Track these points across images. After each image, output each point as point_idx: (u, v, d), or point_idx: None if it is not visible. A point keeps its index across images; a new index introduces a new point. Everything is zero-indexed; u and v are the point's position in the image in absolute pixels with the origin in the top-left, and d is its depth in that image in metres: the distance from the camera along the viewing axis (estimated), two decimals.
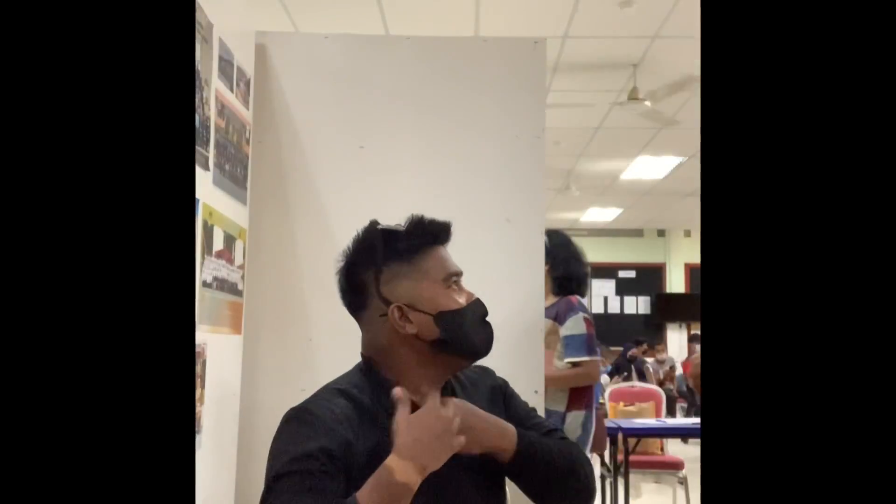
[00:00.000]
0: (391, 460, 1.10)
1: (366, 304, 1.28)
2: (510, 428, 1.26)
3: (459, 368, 1.31)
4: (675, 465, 4.52)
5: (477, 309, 1.28)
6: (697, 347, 8.86)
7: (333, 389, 1.24)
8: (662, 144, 7.25)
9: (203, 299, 1.59)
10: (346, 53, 2.08)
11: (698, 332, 9.34)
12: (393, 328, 1.24)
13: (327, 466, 1.10)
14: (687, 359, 9.20)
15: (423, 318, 1.23)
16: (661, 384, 8.55)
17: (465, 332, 1.25)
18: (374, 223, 1.30)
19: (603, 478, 4.19)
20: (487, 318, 1.29)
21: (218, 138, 1.69)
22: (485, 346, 1.28)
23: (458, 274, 1.29)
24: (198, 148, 1.54)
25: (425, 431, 1.12)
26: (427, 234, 1.28)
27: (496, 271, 1.95)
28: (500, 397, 1.37)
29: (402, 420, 1.14)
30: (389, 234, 1.27)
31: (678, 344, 10.80)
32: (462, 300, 1.27)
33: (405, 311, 1.23)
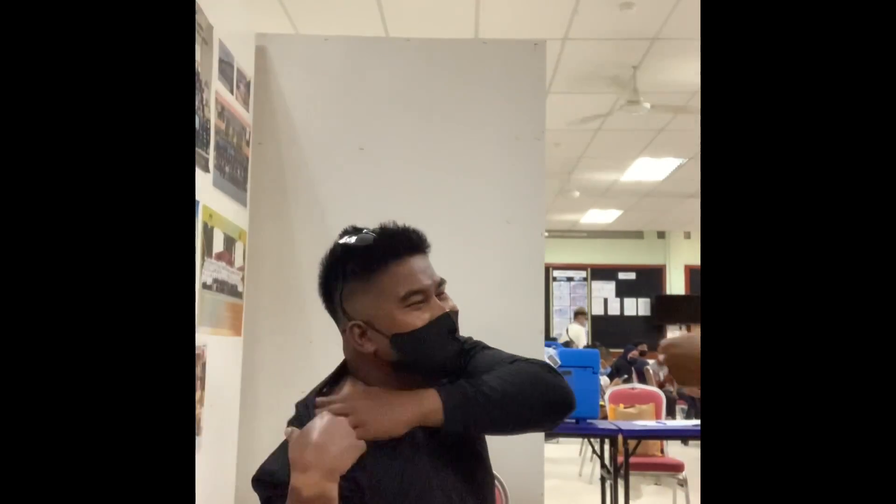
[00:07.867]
0: (293, 480, 1.08)
1: (337, 316, 1.25)
2: (426, 393, 1.17)
3: (431, 384, 1.20)
4: (676, 467, 4.51)
5: (441, 325, 1.18)
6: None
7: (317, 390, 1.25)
8: (662, 146, 7.26)
9: (203, 301, 1.59)
10: (347, 55, 2.08)
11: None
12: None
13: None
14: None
15: (381, 339, 1.18)
16: (661, 386, 8.53)
17: (425, 353, 1.18)
18: (345, 232, 1.23)
19: (603, 479, 4.19)
20: (456, 335, 1.20)
21: (218, 140, 1.69)
22: (451, 362, 1.20)
23: (423, 290, 1.18)
24: (198, 150, 1.54)
25: (320, 436, 1.10)
26: (388, 249, 1.18)
27: (496, 272, 1.95)
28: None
29: (294, 434, 1.12)
30: (348, 251, 1.19)
31: None
32: (425, 317, 1.17)
33: (365, 329, 1.18)
